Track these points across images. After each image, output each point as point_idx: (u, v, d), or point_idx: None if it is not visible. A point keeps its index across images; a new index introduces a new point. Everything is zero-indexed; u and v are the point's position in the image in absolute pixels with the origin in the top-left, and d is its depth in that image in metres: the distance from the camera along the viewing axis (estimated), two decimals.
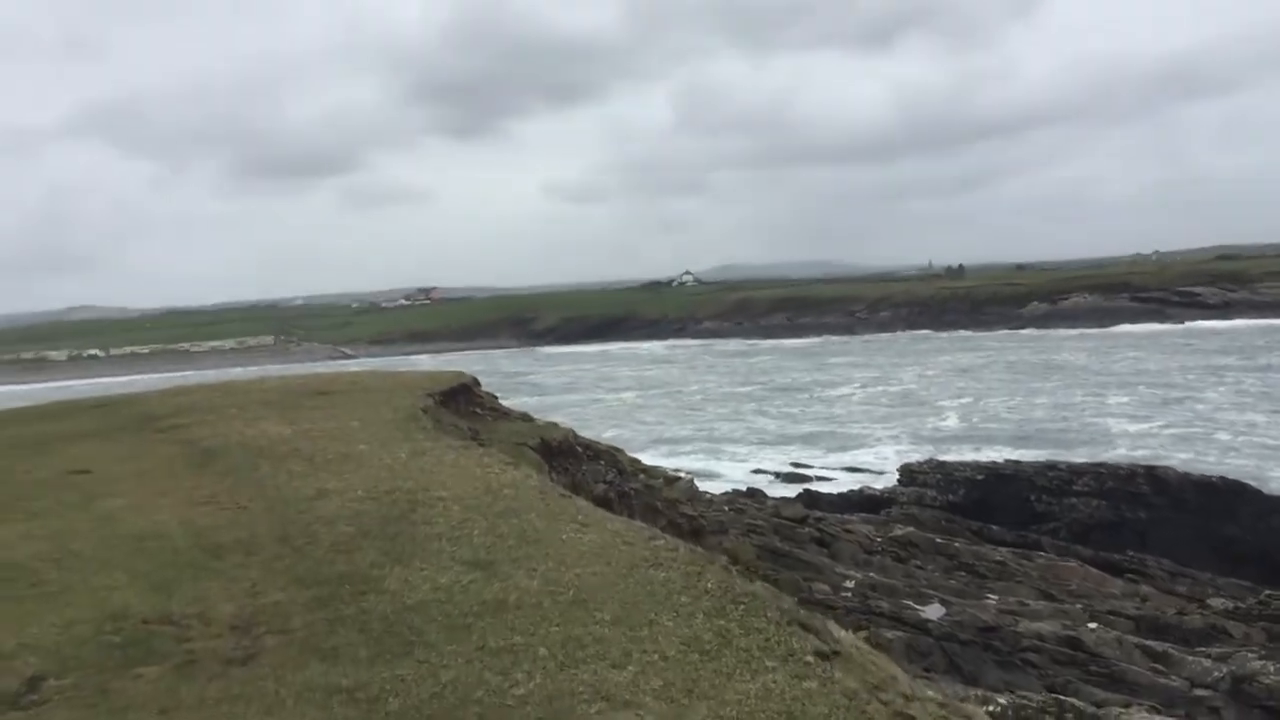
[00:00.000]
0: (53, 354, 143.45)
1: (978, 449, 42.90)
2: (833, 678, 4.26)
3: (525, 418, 20.70)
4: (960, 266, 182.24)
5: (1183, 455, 36.66)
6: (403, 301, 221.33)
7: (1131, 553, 24.70)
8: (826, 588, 17.68)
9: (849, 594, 17.51)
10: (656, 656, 4.42)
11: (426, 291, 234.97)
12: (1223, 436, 43.11)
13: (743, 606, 4.93)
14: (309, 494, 8.13)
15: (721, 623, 4.73)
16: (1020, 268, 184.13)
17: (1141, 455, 37.32)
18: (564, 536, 6.40)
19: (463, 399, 19.31)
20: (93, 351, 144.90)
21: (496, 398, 21.67)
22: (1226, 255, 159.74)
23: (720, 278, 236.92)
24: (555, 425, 20.84)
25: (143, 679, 4.56)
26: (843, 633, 7.05)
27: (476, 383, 20.87)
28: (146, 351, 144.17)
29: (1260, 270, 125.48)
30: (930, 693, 10.42)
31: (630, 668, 4.33)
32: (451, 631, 4.85)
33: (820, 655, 4.47)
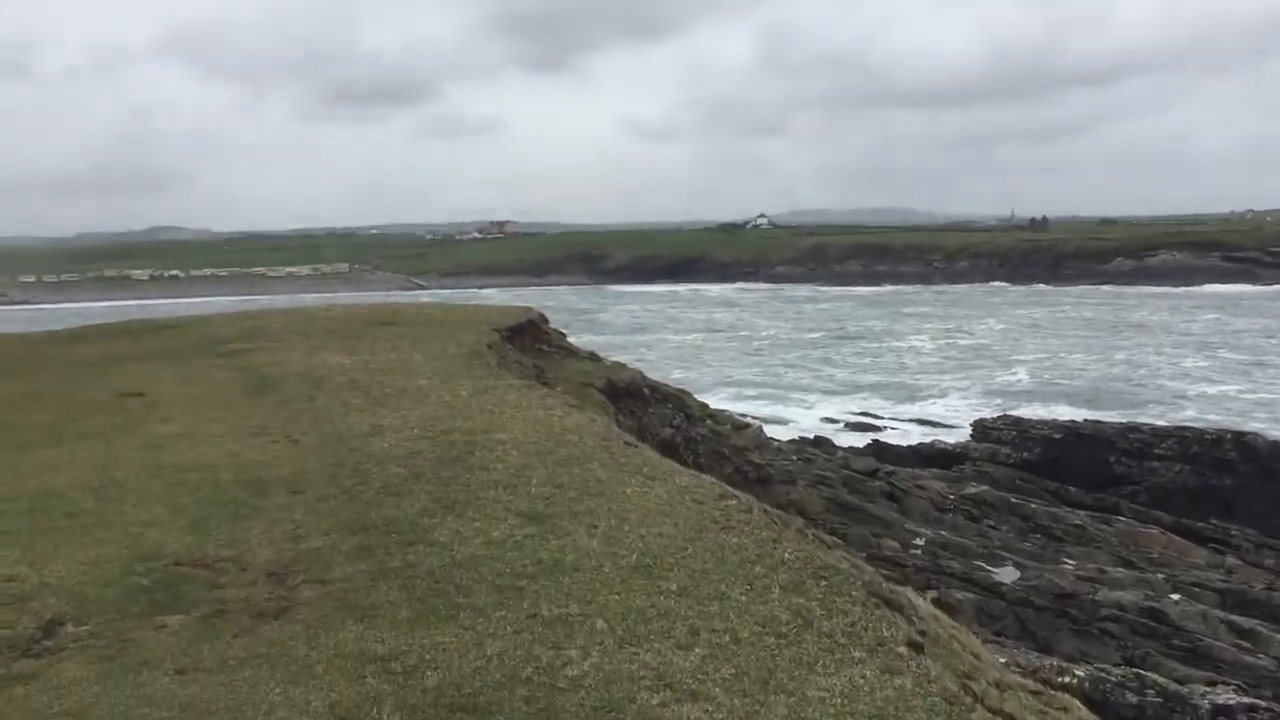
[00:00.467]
0: (135, 273, 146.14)
1: (1048, 406, 41.80)
2: (928, 674, 3.73)
3: (593, 357, 20.30)
4: (1044, 218, 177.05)
5: (1259, 423, 35.13)
6: (476, 235, 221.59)
7: (1215, 521, 23.73)
8: (896, 544, 17.12)
9: (919, 552, 16.94)
10: (728, 638, 3.93)
11: (500, 225, 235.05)
12: None
13: (824, 583, 4.41)
14: (364, 430, 7.77)
15: (801, 600, 4.21)
16: (1107, 222, 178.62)
17: (1215, 420, 35.89)
18: (628, 490, 5.94)
19: (529, 335, 18.94)
20: (173, 272, 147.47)
21: (564, 335, 21.29)
22: None
23: (795, 222, 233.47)
24: (622, 366, 20.41)
25: (165, 630, 4.20)
26: (924, 604, 6.53)
27: (544, 319, 20.50)
28: (225, 274, 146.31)
29: None
30: (1001, 660, 9.89)
31: (698, 650, 3.85)
32: (502, 594, 4.40)
33: (913, 646, 3.95)
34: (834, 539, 15.64)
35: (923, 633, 4.73)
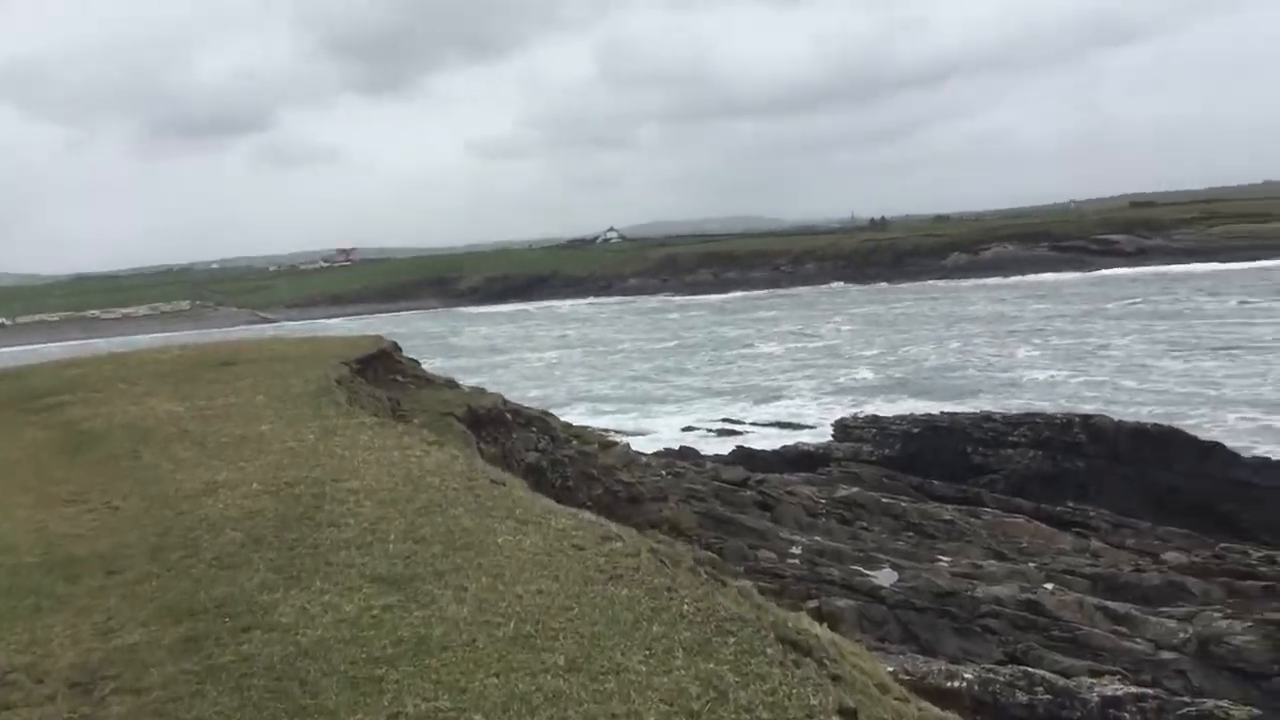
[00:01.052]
0: None
1: (895, 399, 42.92)
2: None
3: (450, 384, 19.49)
4: (883, 219, 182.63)
5: (1090, 405, 36.46)
6: (321, 263, 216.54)
7: (1072, 504, 24.34)
8: (773, 555, 16.84)
9: (797, 560, 16.69)
10: None
11: (346, 253, 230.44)
12: (1129, 384, 43.25)
13: (732, 639, 3.85)
14: (195, 489, 6.90)
15: (710, 666, 3.63)
16: (942, 219, 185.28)
17: (1048, 405, 37.17)
18: (499, 540, 5.28)
19: (382, 366, 18.04)
20: None
21: (419, 363, 20.42)
22: (1140, 203, 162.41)
23: (645, 234, 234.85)
24: (483, 391, 19.66)
25: None
26: (823, 631, 6.09)
27: (397, 348, 19.61)
28: (56, 319, 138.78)
29: (1173, 217, 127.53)
30: (889, 669, 9.59)
31: None
32: (357, 689, 3.69)
33: (845, 714, 3.43)
34: (715, 556, 15.24)
35: (837, 674, 4.25)
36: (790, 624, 4.71)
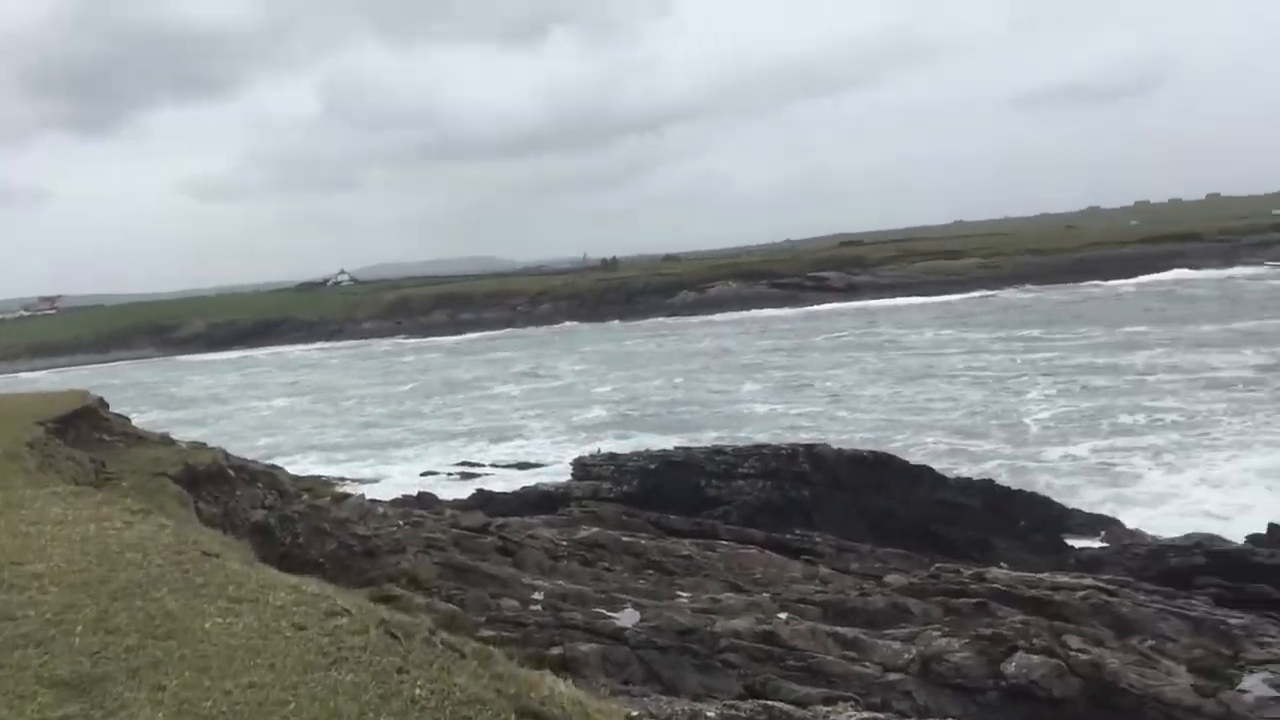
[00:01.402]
0: None
1: (628, 436, 43.85)
2: None
3: (166, 440, 18.14)
4: (614, 259, 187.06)
5: (806, 435, 38.36)
6: (22, 312, 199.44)
7: (800, 531, 25.35)
8: (515, 603, 16.52)
9: (539, 607, 16.44)
10: None
11: (50, 300, 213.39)
12: (842, 413, 45.93)
13: None
14: None
15: None
16: (670, 258, 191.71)
17: (772, 435, 38.91)
18: (208, 624, 4.75)
19: (86, 424, 16.55)
20: None
21: (129, 419, 18.92)
22: (849, 242, 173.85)
23: (378, 276, 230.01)
24: (203, 446, 18.40)
25: None
26: (565, 689, 5.87)
27: (104, 403, 18.08)
28: None
29: (879, 255, 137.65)
30: (634, 713, 9.50)
31: None
32: None
33: None
34: (456, 608, 14.74)
35: None
36: (533, 694, 4.48)
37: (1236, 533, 22.13)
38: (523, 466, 39.85)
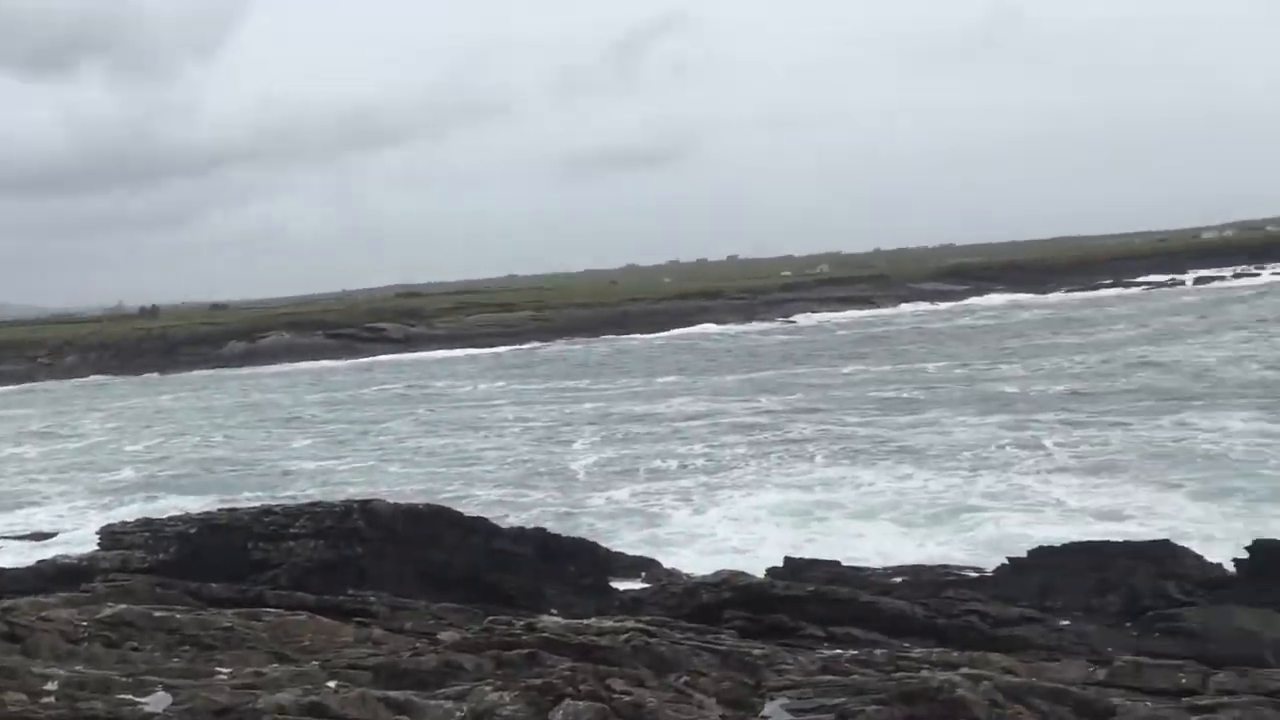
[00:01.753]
0: None
1: (164, 498, 40.87)
2: None
3: None
4: (154, 307, 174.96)
5: (356, 489, 37.73)
6: None
7: (353, 591, 24.64)
8: (23, 696, 14.59)
9: (53, 699, 14.67)
10: None
11: None
12: (394, 467, 45.52)
13: None
14: None
15: None
16: (218, 307, 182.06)
17: (322, 492, 37.98)
18: None
19: None
20: None
21: None
22: (408, 293, 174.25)
23: None
24: None
25: None
26: None
27: None
28: None
29: (436, 307, 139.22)
30: None
31: None
32: None
33: None
34: None
35: None
36: None
37: (758, 567, 24.19)
38: (39, 537, 35.65)
